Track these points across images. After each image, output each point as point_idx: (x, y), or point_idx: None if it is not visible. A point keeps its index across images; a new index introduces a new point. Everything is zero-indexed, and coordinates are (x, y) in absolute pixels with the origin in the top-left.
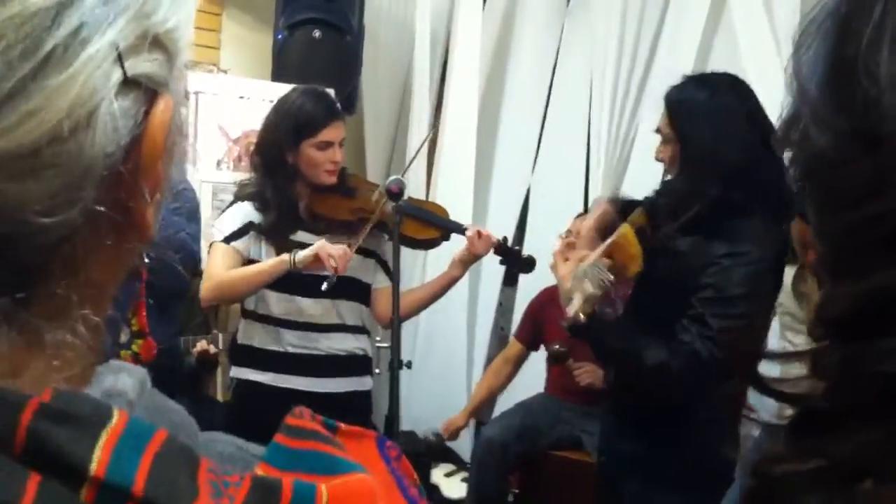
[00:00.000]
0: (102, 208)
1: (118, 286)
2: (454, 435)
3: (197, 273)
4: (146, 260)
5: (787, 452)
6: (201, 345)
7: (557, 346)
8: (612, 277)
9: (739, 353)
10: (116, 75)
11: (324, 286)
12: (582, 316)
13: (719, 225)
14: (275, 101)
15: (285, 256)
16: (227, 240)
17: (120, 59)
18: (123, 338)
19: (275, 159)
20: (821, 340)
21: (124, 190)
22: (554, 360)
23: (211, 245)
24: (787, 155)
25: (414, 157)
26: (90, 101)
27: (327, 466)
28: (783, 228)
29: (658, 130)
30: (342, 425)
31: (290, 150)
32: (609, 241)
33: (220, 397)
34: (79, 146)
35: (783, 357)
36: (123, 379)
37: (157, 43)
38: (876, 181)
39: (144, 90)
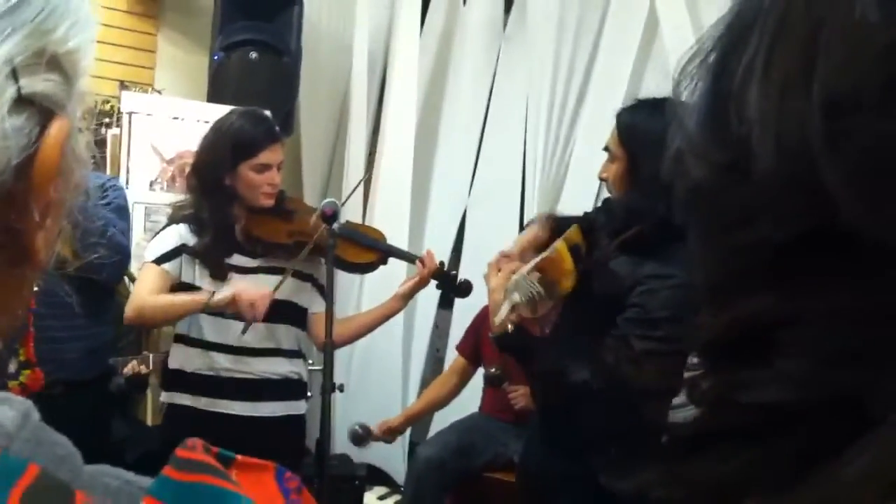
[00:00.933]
0: None
1: (11, 317)
2: (386, 434)
3: (126, 271)
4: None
5: (658, 479)
6: (132, 366)
7: (494, 370)
8: (541, 290)
9: (661, 376)
10: (10, 91)
11: (241, 331)
12: (509, 326)
13: (655, 246)
14: (211, 122)
15: (202, 297)
16: (158, 261)
17: (14, 74)
18: (11, 368)
19: (212, 181)
20: (696, 368)
21: (14, 211)
22: (489, 384)
23: (142, 266)
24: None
25: (350, 194)
26: None
27: (214, 500)
28: None
29: (606, 148)
30: (239, 457)
31: (227, 172)
32: (542, 255)
33: (149, 420)
34: None
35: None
36: (4, 411)
37: (55, 63)
38: (745, 214)
39: (39, 109)
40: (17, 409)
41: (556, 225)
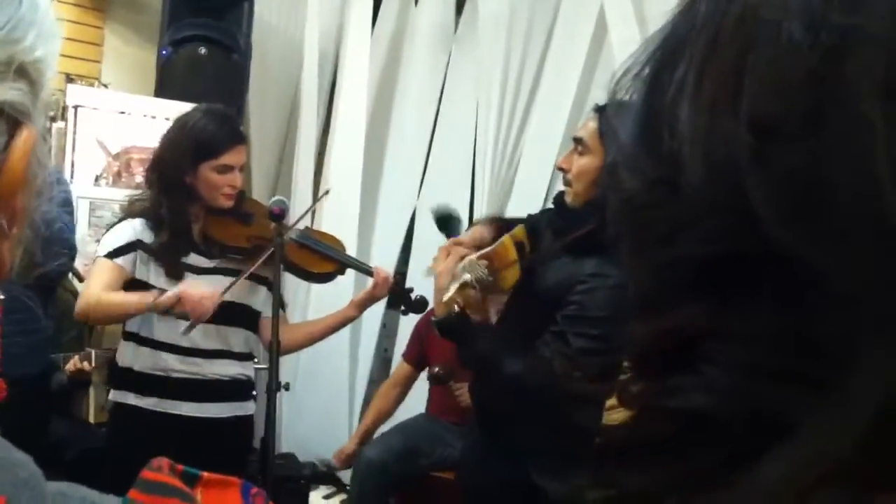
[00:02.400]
0: None
1: None
2: (346, 462)
3: (71, 267)
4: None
5: (591, 481)
6: (74, 363)
7: (438, 370)
8: (489, 274)
9: (594, 375)
10: None
11: (182, 330)
12: (455, 306)
13: (599, 245)
14: (158, 117)
15: (147, 298)
16: (111, 255)
17: None
18: None
19: (172, 178)
20: (627, 372)
21: None
22: (435, 382)
23: (94, 260)
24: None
25: (307, 211)
26: None
27: None
28: None
29: (578, 140)
30: (205, 475)
31: (188, 171)
32: (489, 248)
33: (91, 419)
34: None
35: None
36: None
37: (23, 72)
38: (673, 228)
39: (7, 119)
40: None
41: (501, 226)
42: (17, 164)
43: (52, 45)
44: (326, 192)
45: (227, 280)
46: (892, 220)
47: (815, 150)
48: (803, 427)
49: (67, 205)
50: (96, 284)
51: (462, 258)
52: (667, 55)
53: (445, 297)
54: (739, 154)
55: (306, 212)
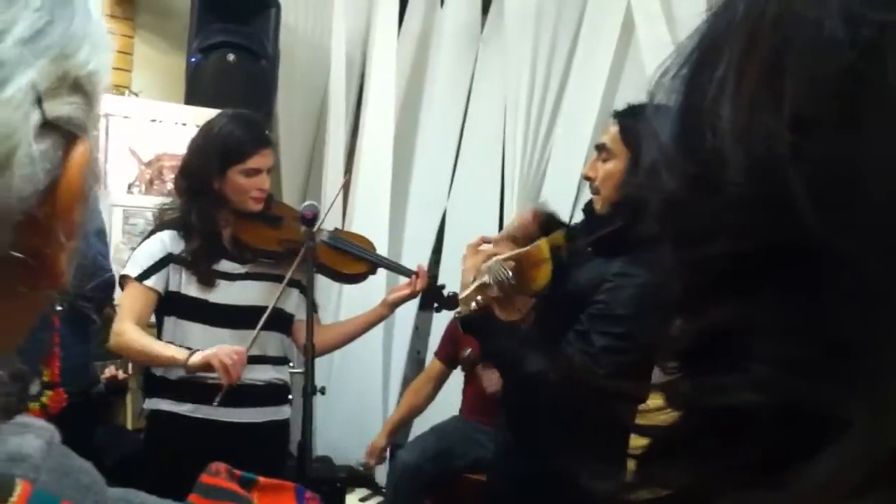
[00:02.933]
0: (17, 254)
1: (24, 336)
2: (378, 458)
3: (111, 298)
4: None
5: (638, 481)
6: (109, 370)
7: (468, 353)
8: (512, 277)
9: (618, 374)
10: (35, 117)
11: (216, 401)
12: (473, 304)
13: (626, 245)
14: (189, 125)
15: (181, 356)
16: (142, 276)
17: (39, 101)
18: (34, 389)
19: (200, 184)
20: (673, 373)
21: (39, 235)
22: (463, 367)
23: (123, 278)
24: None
25: (330, 206)
26: (8, 143)
27: None
28: None
29: (600, 146)
30: (261, 479)
31: (216, 176)
32: (523, 249)
33: (129, 425)
34: None
35: (642, 388)
36: (29, 440)
37: (77, 86)
38: (714, 225)
39: (63, 133)
40: (41, 436)
41: (546, 222)
42: (76, 178)
43: (104, 57)
44: (345, 183)
45: (258, 284)
46: None
47: (854, 145)
48: (854, 424)
49: (102, 234)
50: (129, 315)
51: (490, 257)
52: (705, 55)
53: (463, 295)
54: (780, 149)
55: (329, 207)
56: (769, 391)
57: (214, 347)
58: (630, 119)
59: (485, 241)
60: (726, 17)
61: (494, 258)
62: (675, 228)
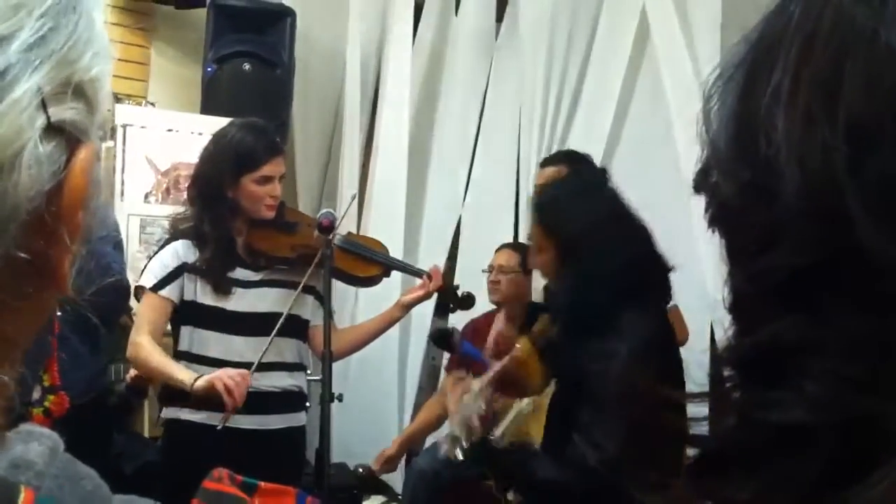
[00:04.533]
0: (23, 254)
1: (30, 341)
2: (388, 466)
3: (127, 308)
4: (80, 292)
5: (691, 494)
6: (134, 371)
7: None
8: (483, 407)
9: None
10: (40, 120)
11: (220, 426)
12: (459, 454)
13: (595, 326)
14: (205, 134)
15: (187, 378)
16: (157, 286)
17: (44, 104)
18: (35, 395)
19: (213, 193)
20: (723, 384)
21: (44, 236)
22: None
23: (139, 289)
24: (703, 200)
25: (345, 213)
26: (15, 143)
27: None
28: (654, 310)
29: (528, 245)
30: (262, 484)
31: (230, 185)
32: (503, 362)
33: (146, 433)
34: (3, 188)
35: (689, 397)
36: (33, 447)
37: (80, 91)
38: (770, 234)
39: (67, 137)
40: (45, 443)
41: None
42: (79, 181)
43: (106, 63)
44: (354, 198)
45: (272, 291)
46: None
47: None
48: None
49: (119, 246)
50: (145, 325)
51: (467, 391)
52: (760, 58)
53: (447, 451)
54: (836, 161)
55: (341, 218)
56: (824, 410)
57: (218, 371)
58: (546, 209)
59: (459, 378)
60: (781, 20)
61: (466, 396)
62: (731, 235)
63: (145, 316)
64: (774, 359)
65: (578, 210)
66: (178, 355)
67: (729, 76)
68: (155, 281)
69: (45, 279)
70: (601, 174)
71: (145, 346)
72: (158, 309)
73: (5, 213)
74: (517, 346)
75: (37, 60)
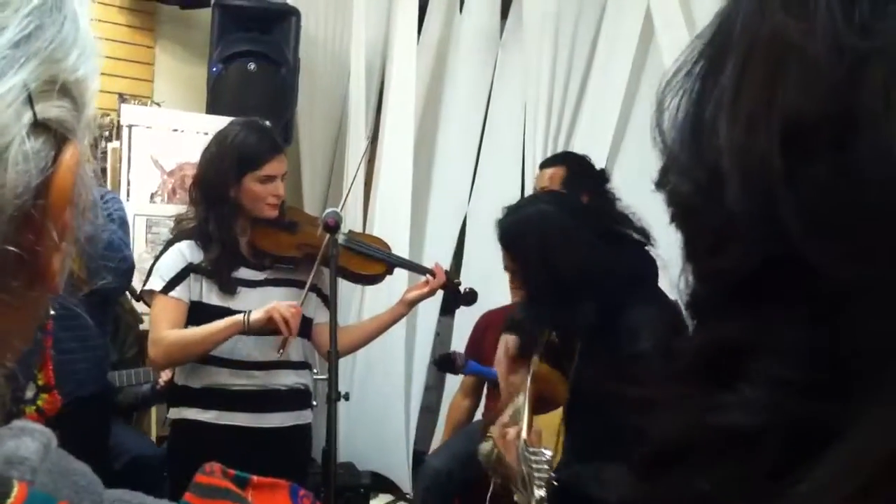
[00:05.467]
0: (12, 248)
1: (25, 340)
2: None
3: (130, 282)
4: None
5: (636, 494)
6: (166, 374)
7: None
8: (548, 455)
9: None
10: (27, 116)
11: (279, 354)
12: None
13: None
14: (211, 134)
15: (239, 318)
16: (167, 288)
17: (30, 100)
18: (29, 394)
19: (217, 193)
20: (676, 384)
21: (33, 232)
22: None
23: (147, 293)
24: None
25: (346, 196)
26: (2, 139)
27: None
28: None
29: (507, 269)
30: (254, 478)
31: (232, 184)
32: (528, 387)
33: (153, 435)
34: None
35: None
36: (26, 443)
37: (66, 90)
38: (719, 238)
39: (54, 134)
40: (38, 439)
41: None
42: (65, 179)
43: (93, 63)
44: (344, 201)
45: (277, 291)
46: None
47: (843, 164)
48: (843, 436)
49: (124, 223)
50: (165, 324)
51: (518, 435)
52: (710, 61)
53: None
54: (772, 169)
55: (343, 202)
56: (761, 412)
57: (269, 304)
58: (509, 237)
59: (504, 427)
60: (728, 25)
61: (519, 444)
62: (688, 236)
63: (162, 317)
64: (719, 362)
65: (525, 231)
66: None
67: (679, 80)
68: (164, 283)
69: (34, 275)
70: (599, 175)
71: (170, 333)
72: (173, 309)
73: None
74: (532, 364)
75: (22, 57)
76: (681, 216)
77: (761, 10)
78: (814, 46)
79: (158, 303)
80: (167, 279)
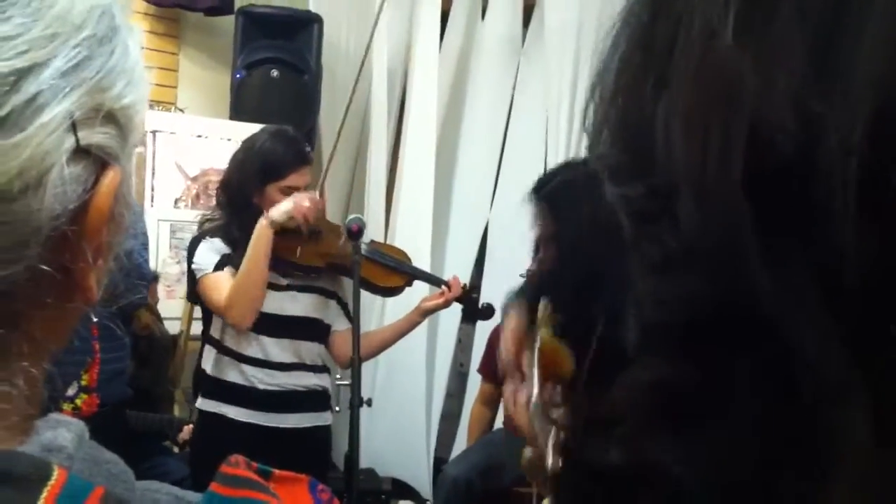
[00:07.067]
0: (46, 267)
1: (60, 343)
2: None
3: (146, 297)
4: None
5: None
6: (188, 429)
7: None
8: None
9: None
10: (69, 143)
11: (285, 282)
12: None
13: None
14: (234, 140)
15: (262, 220)
16: (218, 268)
17: (73, 127)
18: (71, 391)
19: (240, 199)
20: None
21: (68, 252)
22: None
23: (201, 280)
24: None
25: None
26: (41, 164)
27: None
28: None
29: (537, 246)
30: (276, 471)
31: (255, 191)
32: (536, 357)
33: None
34: (27, 206)
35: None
36: (62, 433)
37: (111, 117)
38: (664, 258)
39: (95, 159)
40: (73, 430)
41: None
42: (103, 201)
43: (141, 91)
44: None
45: (300, 296)
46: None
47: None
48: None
49: (146, 248)
50: (223, 289)
51: (529, 397)
52: (648, 61)
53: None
54: (736, 215)
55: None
56: (698, 472)
57: (290, 198)
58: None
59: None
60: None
61: (533, 399)
62: (632, 245)
63: (222, 284)
64: (662, 402)
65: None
66: (208, 339)
67: (603, 87)
68: (213, 265)
69: (69, 291)
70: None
71: (228, 286)
72: (228, 278)
73: (29, 228)
74: (540, 343)
75: (68, 87)
76: (632, 218)
77: (710, 28)
78: (767, 109)
79: (211, 278)
80: (215, 262)
